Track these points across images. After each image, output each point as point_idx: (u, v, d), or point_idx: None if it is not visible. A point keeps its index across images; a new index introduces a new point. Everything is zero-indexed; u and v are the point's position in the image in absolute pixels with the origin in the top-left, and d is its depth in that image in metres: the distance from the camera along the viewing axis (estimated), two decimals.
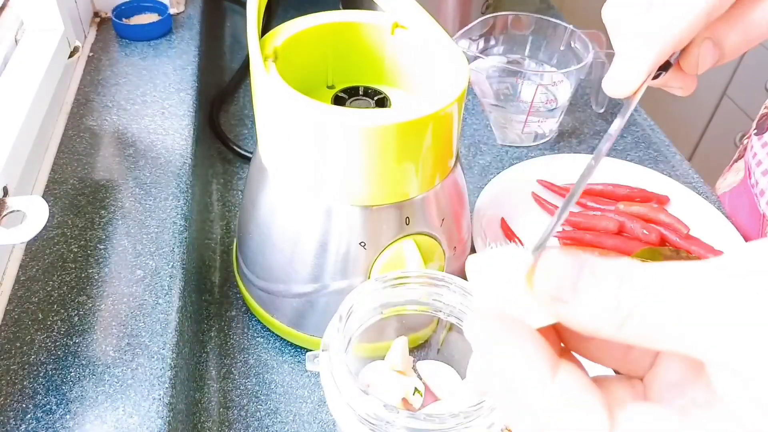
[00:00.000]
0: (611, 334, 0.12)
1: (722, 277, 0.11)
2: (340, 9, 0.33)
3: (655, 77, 0.20)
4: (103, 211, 0.34)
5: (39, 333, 0.28)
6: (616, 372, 0.15)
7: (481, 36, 0.50)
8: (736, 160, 0.51)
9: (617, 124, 0.19)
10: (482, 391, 0.25)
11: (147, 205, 0.35)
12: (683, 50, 0.20)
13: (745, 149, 0.49)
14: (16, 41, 0.39)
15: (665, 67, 0.20)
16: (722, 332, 0.11)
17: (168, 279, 0.31)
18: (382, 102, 0.32)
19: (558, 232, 0.42)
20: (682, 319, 0.11)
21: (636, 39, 0.19)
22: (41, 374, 0.26)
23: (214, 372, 0.33)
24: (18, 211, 0.26)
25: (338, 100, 0.32)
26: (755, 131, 0.47)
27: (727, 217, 0.42)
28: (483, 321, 0.13)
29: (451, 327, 0.27)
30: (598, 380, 0.14)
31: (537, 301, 0.13)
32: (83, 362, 0.27)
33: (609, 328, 0.12)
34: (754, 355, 0.11)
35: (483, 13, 0.58)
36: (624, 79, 0.19)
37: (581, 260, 0.12)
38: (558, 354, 0.13)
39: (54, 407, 0.25)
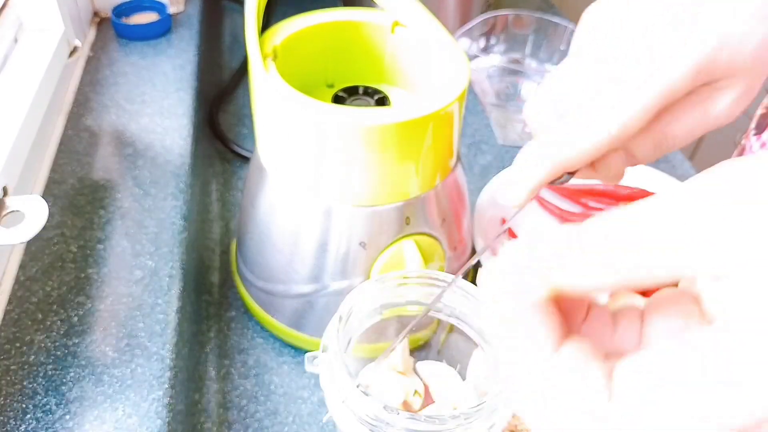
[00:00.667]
0: (605, 284, 0.12)
1: (688, 197, 0.12)
2: (340, 7, 0.33)
3: (561, 182, 0.20)
4: (102, 211, 0.34)
5: (38, 333, 0.28)
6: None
7: (481, 35, 0.50)
8: None
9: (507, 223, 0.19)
10: (482, 391, 0.25)
11: (146, 205, 0.35)
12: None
13: (743, 149, 0.49)
14: (15, 41, 0.39)
15: (570, 173, 0.20)
16: (701, 246, 0.11)
17: (167, 279, 0.31)
18: (382, 101, 0.31)
19: None
20: (663, 243, 0.12)
21: (530, 155, 0.19)
22: (41, 374, 0.26)
23: (213, 372, 0.33)
24: (17, 211, 0.26)
25: (338, 100, 0.31)
26: (754, 131, 0.47)
27: None
28: (495, 298, 0.14)
29: (452, 328, 0.26)
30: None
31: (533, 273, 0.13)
32: (82, 362, 0.27)
33: (601, 278, 0.12)
34: (733, 257, 0.11)
35: (484, 12, 0.58)
36: (512, 193, 0.20)
37: (569, 228, 0.13)
38: (565, 331, 0.13)
39: (53, 407, 0.25)
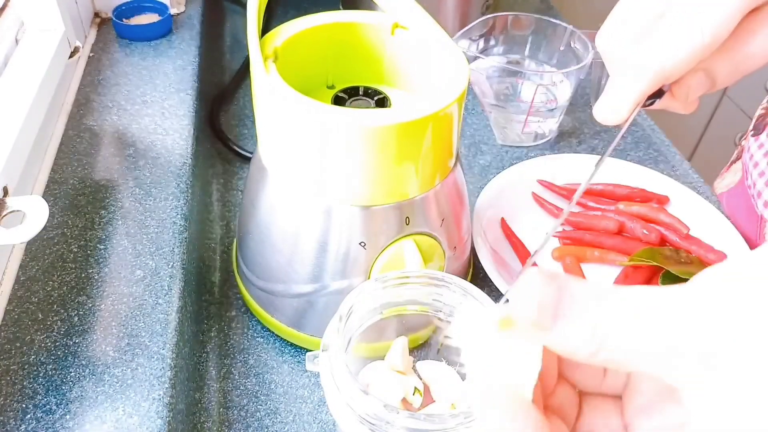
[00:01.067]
0: (587, 358, 0.13)
1: (688, 304, 0.12)
2: (340, 9, 0.33)
3: (649, 105, 0.20)
4: (103, 211, 0.34)
5: (39, 333, 0.28)
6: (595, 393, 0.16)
7: (481, 36, 0.50)
8: (734, 161, 0.51)
9: (608, 150, 0.19)
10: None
11: (147, 205, 0.35)
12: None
13: (742, 150, 0.49)
14: (16, 41, 0.39)
15: (658, 94, 0.20)
16: (689, 358, 0.11)
17: (168, 279, 0.31)
18: (382, 102, 0.32)
19: (558, 232, 0.42)
20: (652, 345, 0.12)
21: (626, 71, 0.19)
22: (41, 374, 0.26)
23: (214, 372, 0.33)
24: (18, 211, 0.26)
25: (338, 101, 0.32)
26: (752, 132, 0.47)
27: (727, 217, 0.42)
28: (483, 397, 0.14)
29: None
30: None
31: (519, 329, 0.13)
32: (83, 362, 0.27)
33: (585, 353, 0.13)
34: (721, 379, 0.11)
35: (483, 14, 0.58)
36: (613, 109, 0.20)
37: (561, 285, 0.13)
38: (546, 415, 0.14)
39: (54, 407, 0.25)
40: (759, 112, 0.48)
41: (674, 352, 0.12)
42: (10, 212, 0.26)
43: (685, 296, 0.12)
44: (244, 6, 0.29)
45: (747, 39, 0.19)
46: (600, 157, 0.20)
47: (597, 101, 0.20)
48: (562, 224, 0.42)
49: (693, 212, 0.42)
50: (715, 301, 0.12)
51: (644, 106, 0.20)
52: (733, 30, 0.19)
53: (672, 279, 0.36)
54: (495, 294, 0.35)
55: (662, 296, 0.12)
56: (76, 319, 0.29)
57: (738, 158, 0.50)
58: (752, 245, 0.42)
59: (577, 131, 0.52)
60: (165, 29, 0.49)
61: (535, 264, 0.36)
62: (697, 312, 0.12)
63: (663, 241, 0.41)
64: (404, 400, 0.26)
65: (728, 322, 0.11)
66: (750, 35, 0.19)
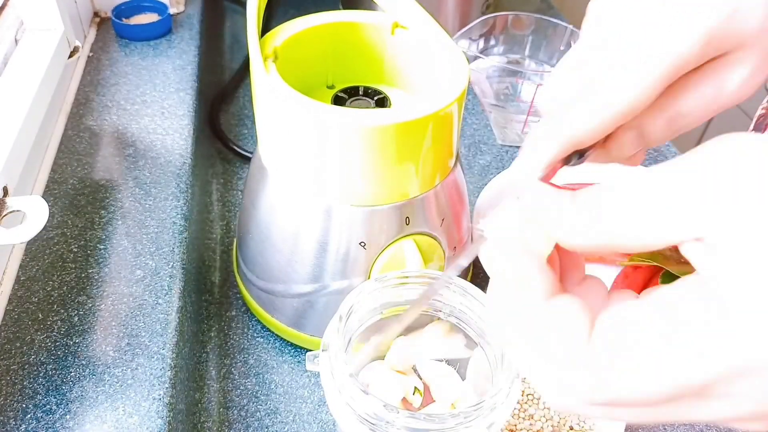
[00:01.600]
0: (598, 243, 0.13)
1: (683, 169, 0.13)
2: (340, 9, 0.33)
3: (574, 164, 0.20)
4: (102, 211, 0.34)
5: (39, 333, 0.28)
6: None
7: (481, 36, 0.50)
8: None
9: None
10: (482, 391, 0.25)
11: (147, 205, 0.35)
12: (607, 137, 0.20)
13: None
14: (16, 41, 0.39)
15: (581, 153, 0.20)
16: (691, 213, 0.12)
17: (168, 279, 0.31)
18: (382, 102, 0.32)
19: None
20: (655, 212, 0.13)
21: (538, 134, 0.19)
22: (41, 374, 0.26)
23: (214, 372, 0.33)
24: (18, 211, 0.26)
25: (338, 100, 0.32)
26: (752, 132, 0.47)
27: None
28: (500, 245, 0.15)
29: (451, 327, 0.26)
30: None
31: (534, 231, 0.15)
32: (83, 362, 0.27)
33: (595, 239, 0.13)
34: (723, 227, 0.12)
35: (483, 13, 0.58)
36: (524, 172, 0.20)
37: (570, 192, 0.14)
38: (559, 287, 0.14)
39: (54, 407, 0.25)
40: (759, 112, 0.48)
41: (678, 210, 0.12)
42: (10, 212, 0.26)
43: (678, 165, 0.13)
44: (243, 5, 0.29)
45: (679, 99, 0.19)
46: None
47: (513, 162, 0.20)
48: None
49: None
50: (713, 163, 0.12)
51: (569, 164, 0.20)
52: (664, 90, 0.18)
53: (672, 279, 0.36)
54: None
55: (654, 171, 0.13)
56: (76, 319, 0.29)
57: None
58: None
59: None
60: (164, 29, 0.49)
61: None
62: (696, 172, 0.12)
63: None
64: (404, 400, 0.26)
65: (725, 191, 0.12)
66: (682, 94, 0.19)
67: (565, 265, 0.16)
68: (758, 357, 0.11)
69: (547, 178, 0.20)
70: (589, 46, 0.20)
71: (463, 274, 0.36)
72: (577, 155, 0.20)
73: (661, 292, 0.13)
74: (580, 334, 0.13)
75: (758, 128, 0.47)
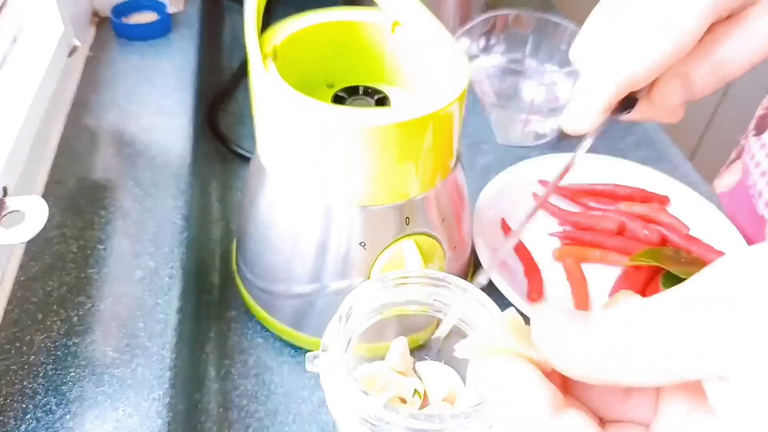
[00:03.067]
0: (606, 377, 0.12)
1: (694, 300, 0.11)
2: (340, 7, 0.33)
3: (624, 114, 0.20)
4: (102, 212, 0.34)
5: (38, 333, 0.28)
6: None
7: (481, 35, 0.50)
8: (733, 161, 0.51)
9: (573, 157, 0.19)
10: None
11: (146, 205, 0.35)
12: (652, 85, 0.20)
13: (742, 150, 0.49)
14: (14, 40, 0.39)
15: (629, 103, 0.20)
16: (706, 348, 0.11)
17: (167, 279, 0.31)
18: (382, 101, 0.31)
19: (558, 232, 0.42)
20: (666, 346, 0.11)
21: (589, 80, 0.19)
22: (41, 374, 0.26)
23: (213, 372, 0.33)
24: (17, 211, 0.26)
25: (338, 100, 0.31)
26: (753, 132, 0.47)
27: (728, 217, 0.42)
28: (492, 360, 0.14)
29: (452, 328, 0.26)
30: (607, 425, 0.14)
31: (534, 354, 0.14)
32: (83, 362, 0.27)
33: (603, 372, 0.12)
34: (737, 358, 0.11)
35: (484, 12, 0.58)
36: (580, 118, 0.19)
37: (570, 313, 0.13)
38: (564, 400, 0.13)
39: (54, 407, 0.25)
40: (760, 111, 0.48)
41: (692, 346, 0.11)
42: (10, 212, 0.26)
43: (689, 294, 0.12)
44: (243, 4, 0.28)
45: (723, 43, 0.19)
46: (570, 158, 0.19)
47: (563, 112, 0.20)
48: (562, 224, 0.42)
49: (694, 212, 0.42)
50: (716, 296, 0.11)
51: (617, 115, 0.20)
52: (709, 34, 0.18)
53: (672, 279, 0.36)
54: (495, 294, 0.35)
55: (665, 298, 0.12)
56: (75, 319, 0.29)
57: (738, 158, 0.50)
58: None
59: None
60: (164, 28, 0.49)
61: (520, 242, 0.35)
62: (702, 307, 0.11)
63: (664, 241, 0.41)
64: (403, 401, 0.26)
65: (734, 312, 0.11)
66: (726, 39, 0.19)
67: None
68: None
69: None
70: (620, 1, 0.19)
71: (464, 275, 0.36)
72: (625, 107, 0.19)
73: (686, 424, 0.12)
74: None
75: (759, 128, 0.46)
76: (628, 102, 0.19)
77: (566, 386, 0.15)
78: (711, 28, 0.19)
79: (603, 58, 0.19)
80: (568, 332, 0.13)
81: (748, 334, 0.10)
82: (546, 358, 0.13)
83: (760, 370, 0.10)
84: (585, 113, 0.19)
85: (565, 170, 0.20)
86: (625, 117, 0.21)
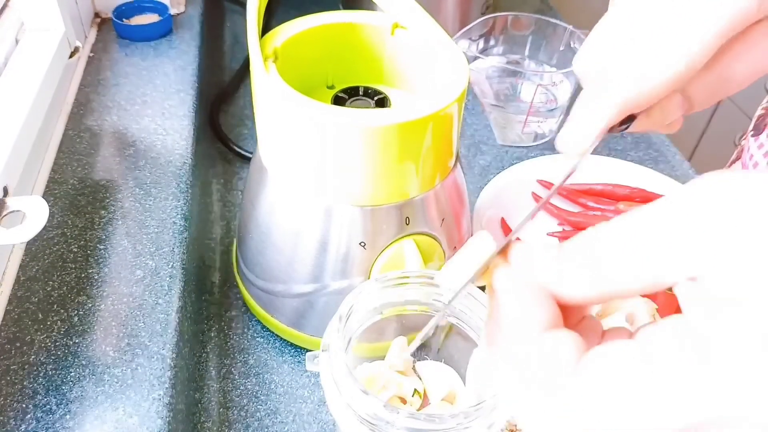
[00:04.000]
0: (599, 293, 0.13)
1: (668, 211, 0.12)
2: (340, 9, 0.33)
3: (622, 130, 0.20)
4: (103, 211, 0.34)
5: (39, 333, 0.28)
6: None
7: (480, 36, 0.50)
8: (734, 161, 0.51)
9: (561, 178, 0.19)
10: (482, 391, 0.25)
11: (147, 205, 0.35)
12: None
13: (742, 150, 0.49)
14: (16, 41, 0.39)
15: (628, 119, 0.19)
16: (678, 252, 0.12)
17: (168, 279, 0.31)
18: (382, 102, 0.32)
19: (557, 232, 0.42)
20: (651, 252, 0.12)
21: (592, 97, 0.18)
22: (41, 374, 0.26)
23: (214, 372, 0.33)
24: (18, 211, 0.26)
25: (338, 101, 0.32)
26: (752, 132, 0.47)
27: None
28: (511, 277, 0.15)
29: (451, 328, 0.26)
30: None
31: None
32: (83, 362, 0.27)
33: (595, 289, 0.13)
34: (714, 267, 0.12)
35: (483, 14, 0.58)
36: (575, 139, 0.19)
37: (548, 247, 0.14)
38: (558, 322, 0.14)
39: (54, 407, 0.25)
40: (759, 112, 0.48)
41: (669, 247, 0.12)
42: (10, 212, 0.26)
43: (664, 203, 0.13)
44: (244, 6, 0.29)
45: (726, 62, 0.19)
46: (558, 182, 0.19)
47: (560, 132, 0.20)
48: (561, 224, 0.42)
49: None
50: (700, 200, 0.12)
51: (615, 132, 0.19)
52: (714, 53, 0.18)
53: None
54: None
55: (642, 210, 0.13)
56: (76, 319, 0.29)
57: (737, 158, 0.50)
58: None
59: None
60: (165, 29, 0.49)
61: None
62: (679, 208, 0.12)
63: None
64: (403, 400, 0.26)
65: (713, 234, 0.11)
66: (730, 58, 0.19)
67: (562, 306, 0.16)
68: (735, 409, 0.11)
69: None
70: (625, 10, 0.19)
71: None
72: (622, 122, 0.19)
73: (647, 332, 0.13)
74: (567, 364, 0.13)
75: (758, 128, 0.47)
76: (626, 118, 0.19)
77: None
78: None
79: (608, 75, 0.18)
80: (558, 263, 0.14)
81: (714, 238, 0.11)
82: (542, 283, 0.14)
83: (725, 266, 0.11)
84: (582, 136, 0.19)
85: (566, 177, 0.19)
86: (621, 131, 0.20)
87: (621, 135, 0.52)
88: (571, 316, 0.15)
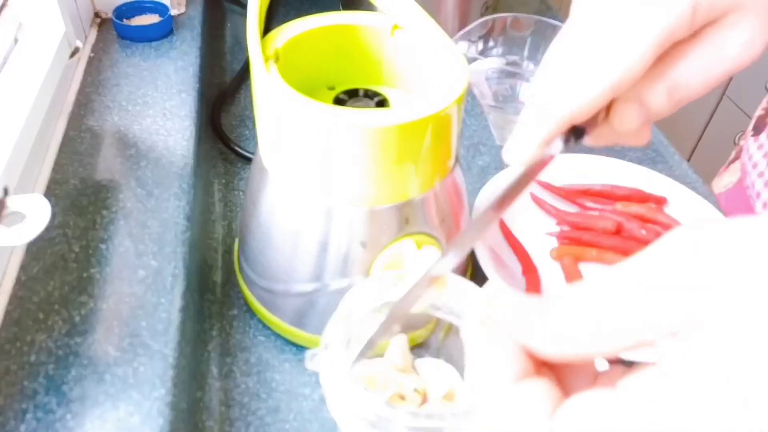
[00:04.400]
0: (575, 354, 0.13)
1: (648, 267, 0.12)
2: (340, 10, 0.33)
3: (576, 142, 0.19)
4: (104, 211, 0.34)
5: (40, 333, 0.28)
6: None
7: (480, 37, 0.50)
8: (732, 161, 0.52)
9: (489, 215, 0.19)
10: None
11: (149, 206, 0.35)
12: (609, 110, 0.19)
13: (741, 150, 0.49)
14: (16, 41, 0.39)
15: (578, 134, 0.19)
16: (661, 309, 0.12)
17: (170, 279, 0.31)
18: (382, 103, 0.32)
19: (556, 232, 0.42)
20: (624, 311, 0.12)
21: (530, 111, 0.19)
22: (41, 374, 0.26)
23: (215, 371, 0.33)
24: (19, 211, 0.27)
25: (339, 102, 0.32)
26: (752, 132, 0.47)
27: (725, 217, 0.42)
28: (481, 328, 0.15)
29: (451, 326, 0.27)
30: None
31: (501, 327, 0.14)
32: (84, 362, 0.27)
33: (571, 350, 0.13)
34: (686, 316, 0.11)
35: (482, 15, 0.58)
36: (517, 152, 0.19)
37: (527, 299, 0.14)
38: (533, 372, 0.14)
39: (54, 407, 0.25)
40: (759, 112, 0.48)
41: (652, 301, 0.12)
42: (11, 212, 0.27)
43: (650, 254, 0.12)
44: (245, 7, 0.29)
45: (678, 66, 0.18)
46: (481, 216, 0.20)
47: (505, 144, 0.20)
48: (560, 224, 0.43)
49: (691, 212, 0.43)
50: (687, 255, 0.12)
51: (570, 145, 0.19)
52: (663, 56, 0.18)
53: None
54: None
55: (620, 267, 0.13)
56: (77, 318, 0.29)
57: (737, 158, 0.51)
58: None
59: None
60: (166, 30, 0.49)
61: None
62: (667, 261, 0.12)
63: None
64: (403, 398, 0.26)
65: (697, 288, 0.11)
66: (681, 61, 0.18)
67: None
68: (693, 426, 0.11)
69: (541, 166, 0.19)
70: (575, 28, 0.19)
71: (463, 275, 0.36)
72: (575, 136, 0.19)
73: (624, 381, 0.13)
74: (538, 419, 0.13)
75: (758, 128, 0.47)
76: (576, 132, 0.19)
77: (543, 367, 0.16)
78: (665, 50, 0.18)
79: (547, 91, 0.18)
80: (532, 318, 0.14)
81: (695, 295, 0.11)
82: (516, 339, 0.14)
83: (711, 323, 0.11)
84: (522, 147, 0.19)
85: (513, 187, 0.19)
86: (593, 143, 0.20)
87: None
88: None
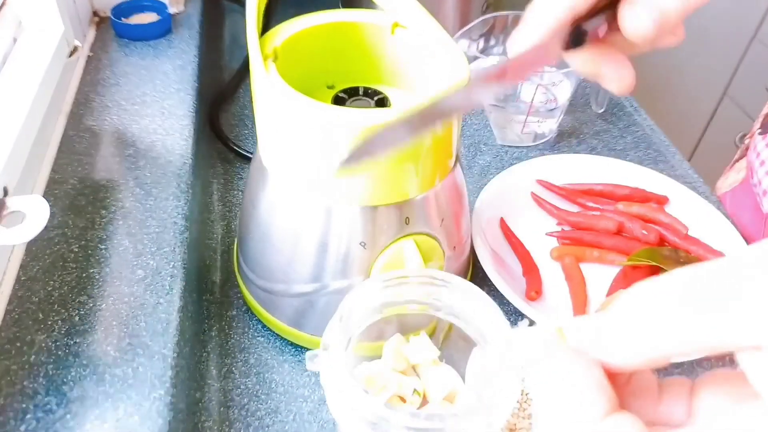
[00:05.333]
0: (651, 359, 0.13)
1: (727, 271, 0.12)
2: (340, 8, 0.33)
3: (579, 45, 0.19)
4: (103, 211, 0.34)
5: (39, 333, 0.28)
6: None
7: (481, 36, 0.50)
8: (737, 160, 0.51)
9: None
10: (481, 391, 0.25)
11: (148, 205, 0.35)
12: (615, 15, 0.19)
13: (747, 148, 0.49)
14: (15, 40, 0.39)
15: (579, 39, 0.19)
16: (743, 317, 0.11)
17: (169, 279, 0.31)
18: (382, 102, 0.32)
19: (556, 232, 0.42)
20: (701, 316, 0.12)
21: (536, 3, 0.19)
22: (41, 374, 0.26)
23: (214, 371, 0.33)
24: (18, 211, 0.26)
25: (338, 101, 0.32)
26: (759, 130, 0.47)
27: (726, 217, 0.42)
28: (556, 358, 0.14)
29: (451, 327, 0.27)
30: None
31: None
32: (84, 362, 0.27)
33: (646, 355, 0.13)
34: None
35: (483, 13, 0.58)
36: (522, 36, 0.19)
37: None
38: (615, 404, 0.14)
39: (54, 407, 0.25)
40: (766, 110, 0.48)
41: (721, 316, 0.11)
42: (11, 212, 0.26)
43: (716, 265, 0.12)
44: (243, 5, 0.29)
45: None
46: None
47: (512, 34, 0.20)
48: (561, 224, 0.42)
49: (692, 212, 0.42)
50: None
51: (569, 50, 0.19)
52: None
53: None
54: (494, 294, 0.35)
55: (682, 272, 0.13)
56: (76, 318, 0.29)
57: (742, 157, 0.50)
58: None
59: (577, 131, 0.52)
60: (164, 29, 0.49)
61: None
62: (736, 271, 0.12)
63: (662, 241, 0.41)
64: (403, 399, 0.26)
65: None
66: None
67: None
68: None
69: (542, 52, 0.18)
70: None
71: (463, 274, 0.36)
72: (575, 43, 0.19)
73: (727, 418, 0.12)
74: None
75: (764, 127, 0.46)
76: (577, 36, 0.19)
77: None
78: None
79: None
80: (602, 331, 0.13)
81: None
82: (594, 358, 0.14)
83: None
84: (529, 31, 0.19)
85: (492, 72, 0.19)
86: (623, 51, 0.19)
87: (621, 137, 0.52)
88: (619, 374, 0.15)
